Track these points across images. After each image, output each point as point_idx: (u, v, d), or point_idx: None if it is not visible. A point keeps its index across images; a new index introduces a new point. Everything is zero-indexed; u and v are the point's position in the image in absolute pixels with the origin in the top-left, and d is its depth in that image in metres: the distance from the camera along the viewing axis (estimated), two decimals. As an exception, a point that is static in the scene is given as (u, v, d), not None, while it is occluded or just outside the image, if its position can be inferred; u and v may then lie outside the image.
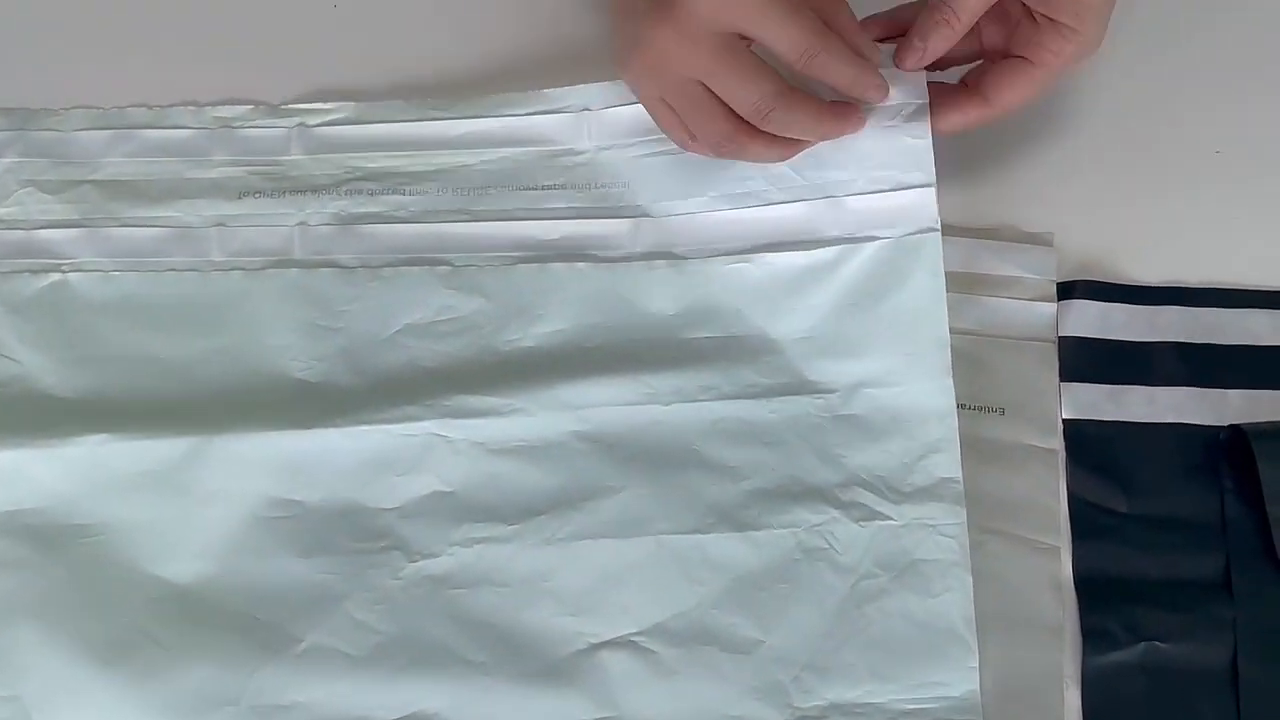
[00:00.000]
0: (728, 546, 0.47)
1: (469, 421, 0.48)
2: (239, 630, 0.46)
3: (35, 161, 0.53)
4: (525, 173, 0.52)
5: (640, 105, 0.48)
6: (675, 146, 0.50)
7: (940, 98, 0.48)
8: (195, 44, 0.55)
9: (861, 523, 0.47)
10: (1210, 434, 0.49)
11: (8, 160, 0.53)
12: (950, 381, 0.47)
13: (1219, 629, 0.47)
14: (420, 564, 0.47)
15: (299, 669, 0.46)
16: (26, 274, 0.51)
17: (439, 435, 0.48)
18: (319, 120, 0.53)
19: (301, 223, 0.52)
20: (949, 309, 0.48)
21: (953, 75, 0.50)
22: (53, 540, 0.47)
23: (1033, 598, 0.47)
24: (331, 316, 0.50)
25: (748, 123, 0.45)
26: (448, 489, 0.48)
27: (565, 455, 0.48)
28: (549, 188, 0.52)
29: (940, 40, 0.46)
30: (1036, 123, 0.54)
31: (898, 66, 0.47)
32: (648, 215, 0.51)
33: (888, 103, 0.47)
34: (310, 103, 0.53)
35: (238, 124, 0.53)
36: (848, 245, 0.48)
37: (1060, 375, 0.50)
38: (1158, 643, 0.47)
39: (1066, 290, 0.51)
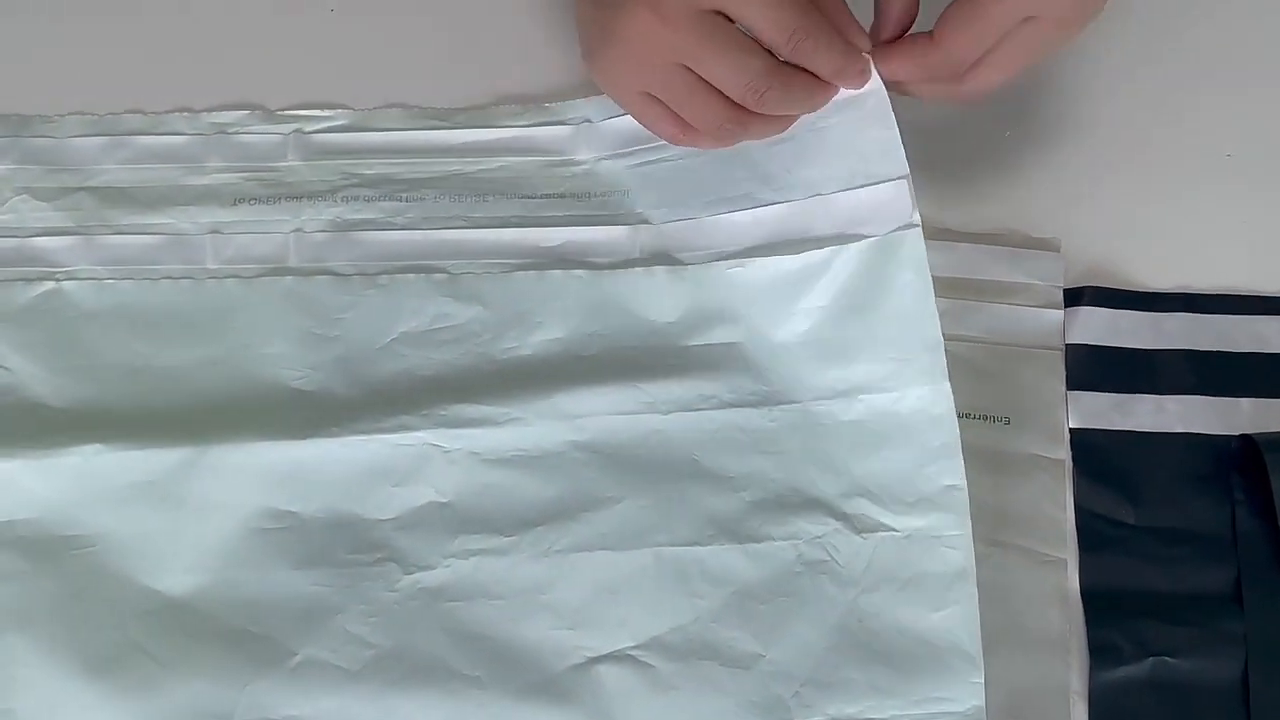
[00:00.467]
0: (727, 559, 0.46)
1: (465, 431, 0.48)
2: (232, 643, 0.46)
3: (30, 169, 0.52)
4: (524, 181, 0.51)
5: None
6: (676, 153, 0.49)
7: (889, 45, 0.45)
8: (190, 50, 0.55)
9: (863, 534, 0.46)
10: (1221, 444, 0.49)
11: (2, 167, 0.52)
12: (947, 385, 0.46)
13: (1229, 644, 0.46)
14: (416, 576, 0.47)
15: (293, 683, 0.45)
16: (20, 282, 0.50)
17: (435, 445, 0.48)
18: (315, 127, 0.53)
19: (297, 229, 0.51)
20: (953, 316, 0.47)
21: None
22: (45, 551, 0.47)
23: (1039, 611, 0.46)
24: (327, 325, 0.50)
25: None
26: (444, 500, 0.47)
27: (563, 465, 0.47)
28: (548, 196, 0.51)
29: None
30: (1042, 124, 0.53)
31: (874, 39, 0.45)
32: (646, 222, 0.50)
33: (854, 92, 0.45)
34: (307, 109, 0.53)
35: (233, 130, 0.53)
36: (836, 245, 0.47)
37: (1067, 384, 0.50)
38: (1167, 658, 0.46)
39: (1074, 297, 0.51)
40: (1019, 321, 0.50)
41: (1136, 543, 0.47)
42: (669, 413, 0.48)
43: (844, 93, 0.45)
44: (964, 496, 0.46)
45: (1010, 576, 0.46)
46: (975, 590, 0.45)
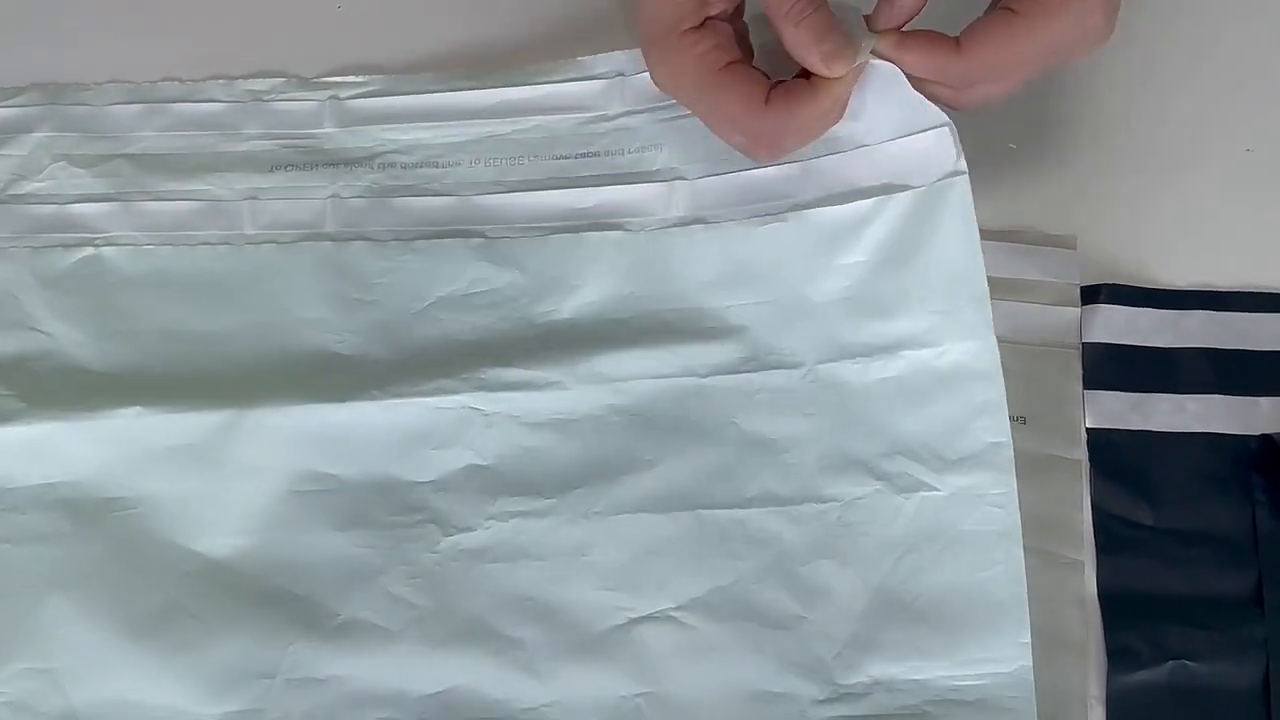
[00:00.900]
0: (768, 521, 0.46)
1: (504, 395, 0.47)
2: (275, 604, 0.46)
3: (68, 136, 0.52)
4: (558, 141, 0.51)
5: None
6: None
7: (913, 38, 0.44)
8: (226, 18, 0.55)
9: (905, 494, 0.46)
10: (1241, 444, 0.48)
11: (40, 135, 0.52)
12: (994, 340, 0.45)
13: (1250, 647, 0.45)
14: (456, 538, 0.46)
15: (335, 643, 0.45)
16: (59, 248, 0.51)
17: (474, 409, 0.47)
18: (351, 93, 0.53)
19: (334, 195, 0.51)
20: None
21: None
22: (87, 514, 0.47)
23: (1055, 614, 0.45)
24: (364, 289, 0.50)
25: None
26: (483, 462, 0.47)
27: (602, 429, 0.47)
28: (582, 155, 0.51)
29: None
30: (1057, 119, 0.52)
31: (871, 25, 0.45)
32: (682, 178, 0.50)
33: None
34: (342, 75, 0.53)
35: (269, 97, 0.53)
36: (881, 197, 0.47)
37: (1084, 383, 0.49)
38: (1186, 661, 0.45)
39: (1090, 294, 0.50)
40: (1034, 319, 0.49)
41: (1155, 544, 0.46)
42: (707, 375, 0.48)
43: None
44: (1009, 454, 0.45)
45: (1027, 578, 0.45)
46: (1020, 550, 0.45)
